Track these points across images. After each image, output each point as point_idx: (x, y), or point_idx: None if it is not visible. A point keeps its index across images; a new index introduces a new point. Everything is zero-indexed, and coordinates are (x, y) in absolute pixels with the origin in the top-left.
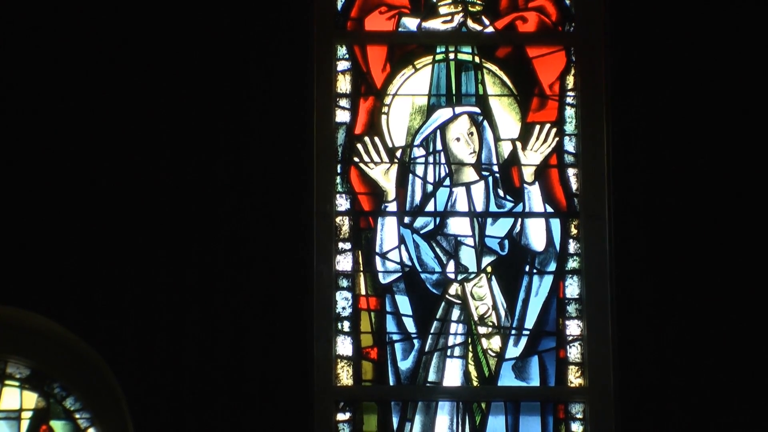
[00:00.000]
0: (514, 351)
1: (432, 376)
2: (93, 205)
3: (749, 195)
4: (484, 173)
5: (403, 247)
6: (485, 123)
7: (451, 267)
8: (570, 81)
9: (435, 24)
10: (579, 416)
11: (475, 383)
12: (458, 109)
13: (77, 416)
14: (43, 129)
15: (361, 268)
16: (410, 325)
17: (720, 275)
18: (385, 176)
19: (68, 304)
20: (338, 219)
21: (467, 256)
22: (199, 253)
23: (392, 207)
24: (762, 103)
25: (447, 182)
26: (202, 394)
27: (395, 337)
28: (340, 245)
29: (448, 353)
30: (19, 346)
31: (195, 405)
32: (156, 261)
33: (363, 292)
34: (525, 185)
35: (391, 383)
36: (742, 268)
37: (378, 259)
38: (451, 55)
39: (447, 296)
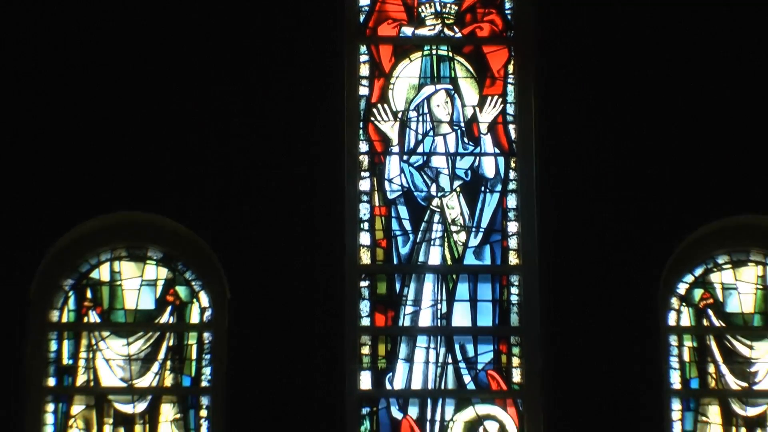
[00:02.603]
0: (473, 241)
1: (421, 258)
2: (209, 146)
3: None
4: (455, 128)
5: (402, 175)
6: (455, 95)
7: (433, 188)
8: (511, 68)
9: (423, 31)
10: (516, 284)
11: (449, 262)
12: (438, 87)
13: (193, 284)
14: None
15: (376, 189)
16: (407, 225)
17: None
18: (391, 130)
19: (188, 209)
20: (361, 157)
21: (444, 180)
22: (276, 184)
23: (396, 149)
24: (650, 99)
25: (431, 133)
26: (272, 270)
27: (397, 233)
28: (362, 173)
29: (432, 243)
30: (156, 238)
31: (268, 277)
32: (245, 187)
33: (377, 203)
34: (481, 135)
35: (395, 262)
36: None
37: (386, 183)
38: (434, 52)
39: (431, 207)
